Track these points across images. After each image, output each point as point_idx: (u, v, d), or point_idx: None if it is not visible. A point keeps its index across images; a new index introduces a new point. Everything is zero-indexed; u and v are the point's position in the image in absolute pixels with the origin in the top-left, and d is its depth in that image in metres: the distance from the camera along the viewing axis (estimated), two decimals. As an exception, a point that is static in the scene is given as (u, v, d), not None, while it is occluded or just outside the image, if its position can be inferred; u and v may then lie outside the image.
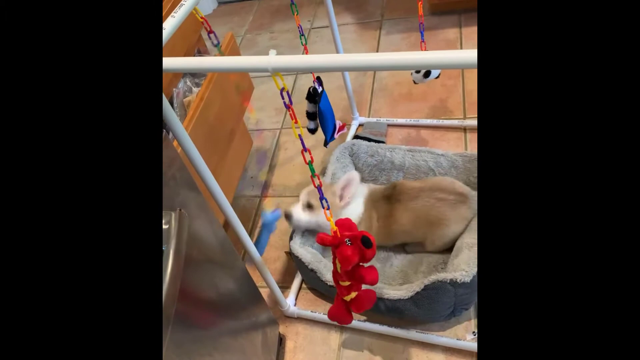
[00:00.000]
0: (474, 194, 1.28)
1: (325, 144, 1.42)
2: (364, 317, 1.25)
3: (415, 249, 1.34)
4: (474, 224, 1.24)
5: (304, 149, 0.83)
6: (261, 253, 1.28)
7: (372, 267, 0.97)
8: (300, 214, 1.28)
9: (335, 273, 1.00)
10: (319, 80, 1.34)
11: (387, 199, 1.30)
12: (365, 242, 0.93)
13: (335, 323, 1.26)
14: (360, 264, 0.96)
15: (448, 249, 1.29)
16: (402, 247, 1.36)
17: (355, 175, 1.29)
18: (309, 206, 1.27)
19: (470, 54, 0.54)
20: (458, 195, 1.26)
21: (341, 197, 1.27)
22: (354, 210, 1.29)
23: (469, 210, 1.26)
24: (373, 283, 0.97)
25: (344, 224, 0.97)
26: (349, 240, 0.94)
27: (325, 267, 1.26)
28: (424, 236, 1.29)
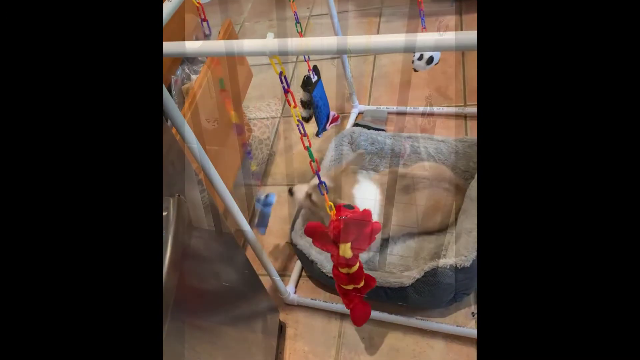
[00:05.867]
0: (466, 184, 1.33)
1: (317, 133, 1.42)
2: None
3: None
4: (472, 209, 1.23)
5: (303, 134, 0.82)
6: (263, 232, 1.29)
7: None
8: (302, 194, 1.28)
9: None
10: (315, 69, 1.34)
11: (404, 190, 1.29)
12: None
13: (336, 310, 1.27)
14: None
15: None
16: (401, 235, 1.35)
17: None
18: (309, 197, 1.27)
19: (470, 35, 0.53)
20: (455, 186, 1.31)
21: None
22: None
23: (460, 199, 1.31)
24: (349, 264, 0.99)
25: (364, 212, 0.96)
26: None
27: (326, 259, 1.25)
28: (426, 220, 1.31)
